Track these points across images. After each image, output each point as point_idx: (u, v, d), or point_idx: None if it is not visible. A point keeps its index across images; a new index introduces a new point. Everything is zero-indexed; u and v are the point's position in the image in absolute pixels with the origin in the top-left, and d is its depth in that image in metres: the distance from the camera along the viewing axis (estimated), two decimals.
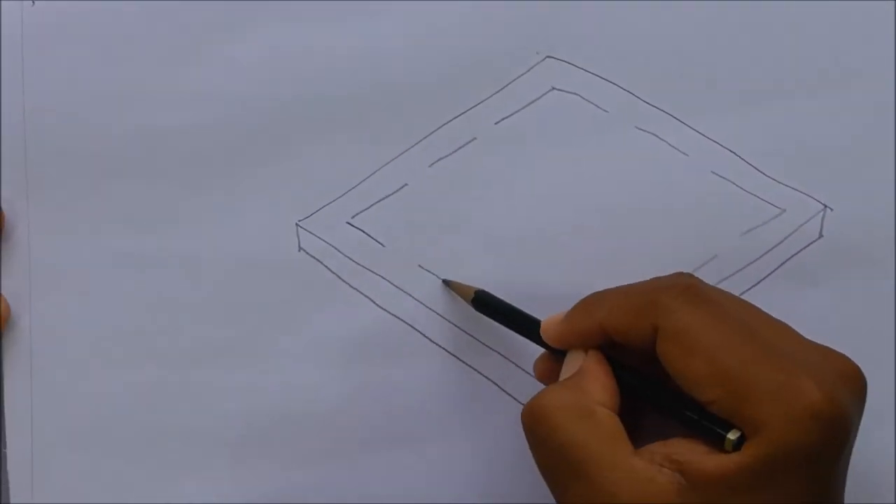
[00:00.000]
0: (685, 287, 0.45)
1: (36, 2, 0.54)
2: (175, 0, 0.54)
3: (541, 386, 0.49)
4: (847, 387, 0.43)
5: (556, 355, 0.49)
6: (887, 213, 0.55)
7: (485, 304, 0.53)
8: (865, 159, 0.55)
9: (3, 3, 0.54)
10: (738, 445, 0.42)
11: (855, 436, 0.44)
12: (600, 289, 0.49)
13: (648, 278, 0.48)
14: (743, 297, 0.54)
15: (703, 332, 0.44)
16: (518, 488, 0.54)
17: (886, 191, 0.55)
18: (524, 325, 0.51)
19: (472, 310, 0.53)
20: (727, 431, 0.43)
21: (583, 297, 0.49)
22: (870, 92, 0.55)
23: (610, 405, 0.46)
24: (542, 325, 0.49)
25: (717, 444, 0.43)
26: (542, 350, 0.50)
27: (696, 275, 0.47)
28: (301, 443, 0.54)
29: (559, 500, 0.45)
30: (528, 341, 0.52)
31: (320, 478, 0.54)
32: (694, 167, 0.55)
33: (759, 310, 0.46)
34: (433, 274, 0.55)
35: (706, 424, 0.43)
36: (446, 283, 0.54)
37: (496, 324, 0.54)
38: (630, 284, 0.48)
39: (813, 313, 0.55)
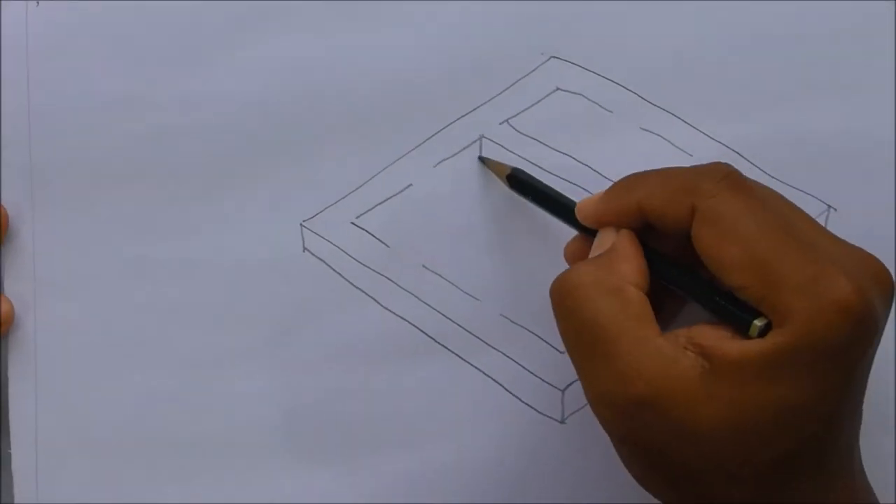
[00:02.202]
0: (726, 173, 0.45)
1: (41, 2, 0.54)
2: (180, 1, 0.54)
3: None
4: (877, 286, 0.43)
5: (587, 236, 0.49)
6: (891, 213, 0.55)
7: (520, 182, 0.52)
8: (869, 160, 0.55)
9: (8, 4, 0.54)
10: (763, 333, 0.43)
11: (880, 336, 0.44)
12: None
13: None
14: None
15: (741, 218, 0.44)
16: (524, 489, 0.54)
17: (890, 191, 0.55)
18: (558, 204, 0.51)
19: (477, 304, 0.54)
20: (754, 318, 0.43)
21: None
22: (872, 92, 0.55)
23: (640, 285, 0.45)
24: (578, 204, 0.49)
25: (743, 330, 0.43)
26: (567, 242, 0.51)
27: None
28: (306, 445, 0.54)
29: (582, 376, 0.45)
30: (531, 342, 0.52)
31: (326, 480, 0.55)
32: None
33: (795, 206, 0.46)
34: (438, 274, 0.55)
35: (733, 310, 0.44)
36: (482, 160, 0.54)
37: (501, 323, 0.54)
38: (670, 167, 0.48)
39: None
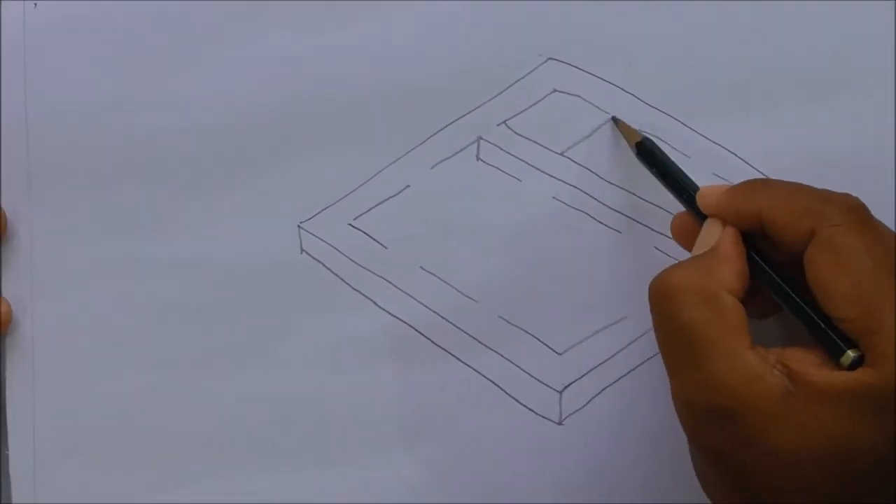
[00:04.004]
0: (853, 206, 0.45)
1: (38, 4, 0.54)
2: (177, 1, 0.54)
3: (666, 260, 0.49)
4: None
5: (699, 218, 0.49)
6: (890, 215, 0.55)
7: (648, 152, 0.52)
8: (867, 161, 0.55)
9: (6, 4, 0.54)
10: (855, 366, 0.43)
11: None
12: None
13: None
14: None
15: (858, 252, 0.44)
16: (522, 491, 0.54)
17: (890, 194, 0.55)
18: (680, 183, 0.51)
19: (475, 305, 0.54)
20: (850, 348, 0.43)
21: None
22: (871, 93, 0.55)
23: (736, 291, 0.45)
24: (702, 190, 0.49)
25: (835, 357, 0.43)
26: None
27: None
28: (303, 446, 0.54)
29: (670, 377, 0.46)
30: (528, 344, 0.52)
31: (323, 480, 0.54)
32: (696, 169, 0.55)
33: None
34: (435, 276, 0.55)
35: (831, 335, 0.44)
36: (615, 120, 0.54)
37: (498, 324, 0.54)
38: (796, 183, 0.48)
39: None
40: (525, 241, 0.55)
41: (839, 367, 0.43)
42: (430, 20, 0.54)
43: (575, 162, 0.55)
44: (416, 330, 0.55)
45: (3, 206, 0.54)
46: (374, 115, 0.54)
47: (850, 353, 0.43)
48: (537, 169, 0.55)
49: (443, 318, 0.54)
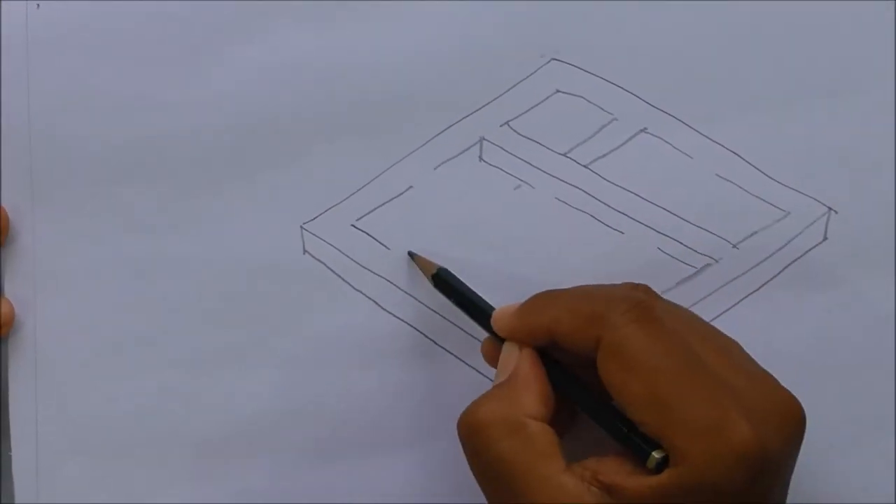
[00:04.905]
0: (636, 303, 0.45)
1: (40, 4, 0.54)
2: (179, 1, 0.54)
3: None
4: (782, 426, 0.44)
5: (499, 343, 0.50)
6: (891, 214, 0.55)
7: (444, 283, 0.53)
8: (870, 161, 0.55)
9: (8, 4, 0.54)
10: (661, 466, 0.43)
11: (788, 476, 0.44)
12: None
13: (604, 283, 0.49)
14: (746, 300, 0.55)
15: (644, 353, 0.44)
16: None
17: (890, 193, 0.55)
18: (477, 310, 0.51)
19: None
20: (653, 450, 0.43)
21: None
22: (873, 93, 0.55)
23: (542, 415, 0.46)
24: (495, 314, 0.50)
25: (643, 461, 0.43)
26: None
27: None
28: (306, 446, 0.55)
29: None
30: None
31: (326, 480, 0.55)
32: (698, 170, 0.55)
33: (710, 331, 0.46)
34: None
35: (635, 440, 0.44)
36: (411, 255, 0.54)
37: None
38: (582, 288, 0.48)
39: (817, 316, 0.55)
40: (527, 242, 0.55)
41: (647, 470, 0.43)
42: (432, 20, 0.54)
43: (577, 163, 0.55)
44: (419, 330, 0.55)
45: (5, 205, 0.54)
46: (376, 116, 0.54)
47: (655, 455, 0.43)
48: (540, 170, 0.55)
49: (445, 318, 0.55)
